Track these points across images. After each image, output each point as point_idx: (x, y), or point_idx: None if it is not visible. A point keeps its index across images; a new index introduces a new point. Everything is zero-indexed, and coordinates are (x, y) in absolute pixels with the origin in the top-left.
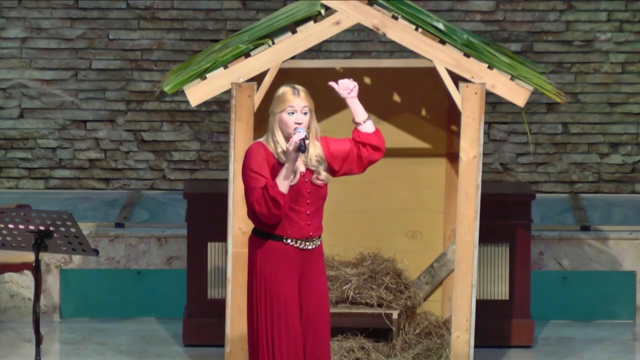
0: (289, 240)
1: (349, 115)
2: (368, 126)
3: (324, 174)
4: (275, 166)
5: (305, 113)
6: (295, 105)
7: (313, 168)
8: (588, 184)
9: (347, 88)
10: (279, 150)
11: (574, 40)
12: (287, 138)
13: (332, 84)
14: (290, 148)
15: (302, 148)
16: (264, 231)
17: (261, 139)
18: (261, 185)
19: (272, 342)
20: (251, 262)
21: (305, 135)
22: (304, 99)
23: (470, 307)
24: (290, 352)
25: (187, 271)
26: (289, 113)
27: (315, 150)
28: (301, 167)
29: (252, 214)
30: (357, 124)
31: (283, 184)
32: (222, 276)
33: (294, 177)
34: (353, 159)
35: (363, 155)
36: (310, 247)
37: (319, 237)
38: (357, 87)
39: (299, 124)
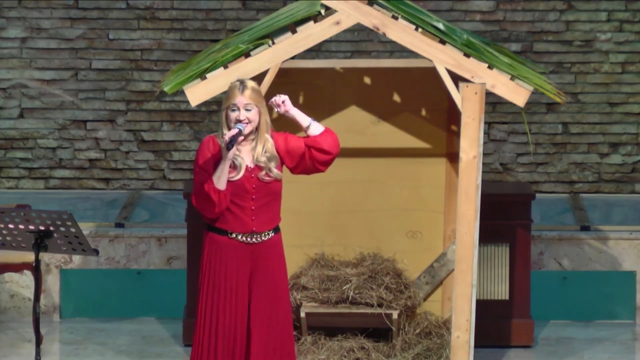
0: (233, 235)
1: (349, 116)
2: (314, 129)
3: (275, 171)
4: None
5: (249, 109)
6: (238, 102)
7: (262, 164)
8: (588, 184)
9: (277, 104)
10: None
11: (574, 40)
12: None
13: (268, 103)
14: (222, 145)
15: (229, 145)
16: (210, 225)
17: (214, 133)
18: (202, 181)
19: (206, 335)
20: (202, 254)
21: (240, 132)
22: (248, 96)
23: (470, 307)
24: (224, 348)
25: (187, 271)
26: (232, 110)
27: (264, 145)
28: (248, 163)
29: None
30: (305, 130)
31: (219, 180)
32: None
33: (238, 172)
34: (306, 160)
35: (313, 157)
36: (257, 241)
37: (269, 231)
38: (287, 99)
39: (240, 121)
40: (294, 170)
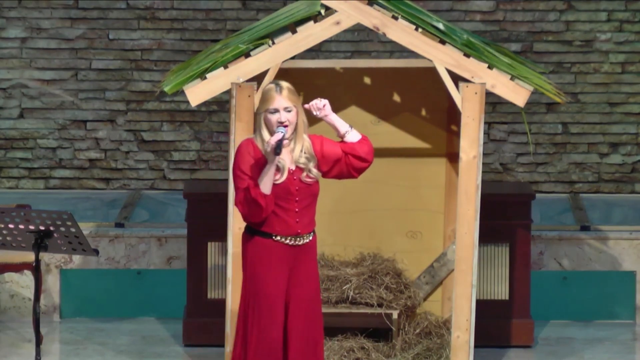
0: (277, 237)
1: (349, 116)
2: (352, 136)
3: (314, 171)
4: (264, 164)
5: (289, 111)
6: (278, 104)
7: (302, 166)
8: (588, 184)
9: (317, 108)
10: (263, 148)
11: (574, 40)
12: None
13: (306, 106)
14: (268, 149)
15: (277, 150)
16: (253, 228)
17: (251, 136)
18: (244, 186)
19: (248, 337)
20: (243, 258)
21: (283, 136)
22: (286, 97)
23: (470, 307)
24: (264, 351)
25: (187, 271)
26: (271, 112)
27: (303, 146)
28: (290, 165)
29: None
30: (342, 137)
31: (265, 184)
32: (222, 276)
33: (281, 175)
34: (342, 165)
35: (350, 163)
36: (300, 243)
37: (310, 233)
38: (327, 104)
39: (282, 123)
40: (326, 174)
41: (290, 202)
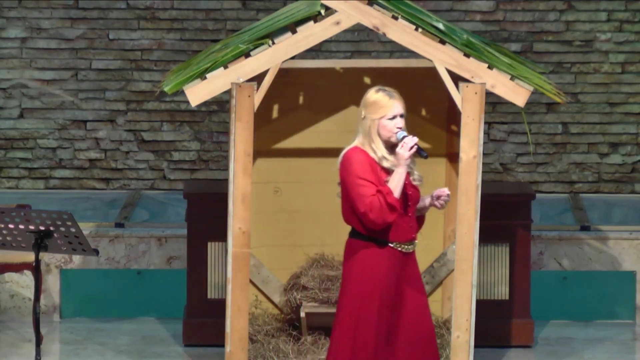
0: (393, 244)
1: (349, 116)
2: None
3: (416, 174)
4: (379, 171)
5: (402, 116)
6: (396, 110)
7: (409, 170)
8: (588, 184)
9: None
10: (380, 155)
11: (574, 40)
12: (386, 143)
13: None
14: (406, 154)
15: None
16: (368, 236)
17: (356, 144)
18: (372, 193)
19: (358, 345)
20: (351, 266)
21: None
22: (400, 102)
23: (470, 307)
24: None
25: (187, 271)
26: (389, 119)
27: None
28: None
29: (358, 219)
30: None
31: (397, 188)
32: (222, 276)
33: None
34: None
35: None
36: (411, 250)
37: (416, 239)
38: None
39: (400, 128)
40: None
41: (405, 207)
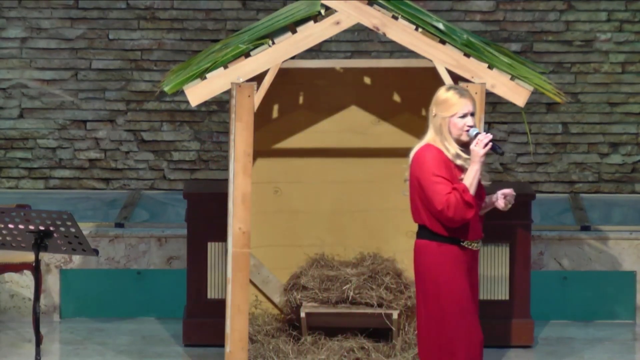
0: (465, 243)
1: (349, 116)
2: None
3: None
4: (453, 169)
5: (474, 114)
6: (468, 108)
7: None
8: (588, 184)
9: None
10: (453, 152)
11: (574, 40)
12: (457, 141)
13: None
14: (481, 151)
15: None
16: (442, 234)
17: (428, 141)
18: (448, 190)
19: (454, 347)
20: (422, 268)
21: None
22: (472, 100)
23: None
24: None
25: (187, 271)
26: (461, 117)
27: None
28: None
29: (431, 217)
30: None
31: (473, 185)
32: (222, 276)
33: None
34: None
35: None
36: (479, 248)
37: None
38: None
39: (471, 126)
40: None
41: (477, 205)
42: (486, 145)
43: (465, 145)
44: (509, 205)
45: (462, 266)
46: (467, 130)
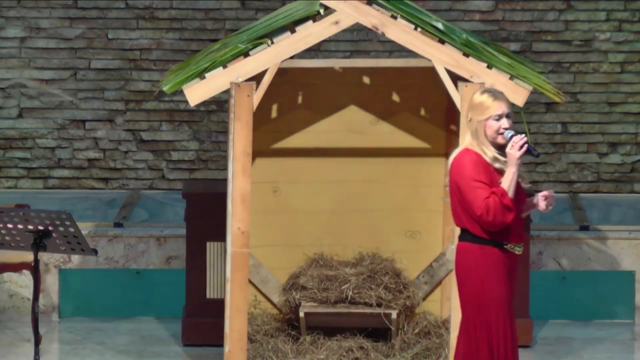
0: (508, 246)
1: (348, 115)
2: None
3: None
4: (492, 173)
5: (509, 116)
6: (502, 110)
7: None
8: (587, 184)
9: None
10: (491, 155)
11: (573, 40)
12: (494, 144)
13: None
14: (517, 154)
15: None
16: (484, 238)
17: (466, 146)
18: (487, 195)
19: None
20: (464, 272)
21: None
22: (506, 102)
23: None
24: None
25: (186, 271)
26: (495, 119)
27: None
28: None
29: (472, 222)
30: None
31: (511, 190)
32: (221, 276)
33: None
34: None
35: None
36: (520, 252)
37: None
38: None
39: (507, 128)
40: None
41: (518, 208)
42: (521, 147)
43: (502, 148)
44: (550, 207)
45: (503, 268)
46: (502, 133)
